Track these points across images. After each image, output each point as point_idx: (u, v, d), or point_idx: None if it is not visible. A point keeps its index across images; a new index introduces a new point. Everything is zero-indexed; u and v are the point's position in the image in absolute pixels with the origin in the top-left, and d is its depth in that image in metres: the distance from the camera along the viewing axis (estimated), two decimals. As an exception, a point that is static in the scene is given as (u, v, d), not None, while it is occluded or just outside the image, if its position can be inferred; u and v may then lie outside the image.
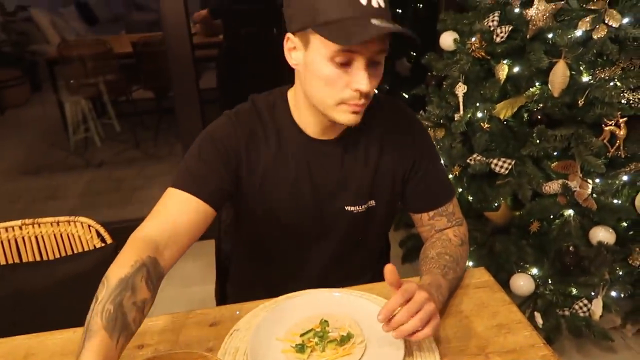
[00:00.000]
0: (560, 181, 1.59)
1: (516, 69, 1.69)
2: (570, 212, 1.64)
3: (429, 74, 2.04)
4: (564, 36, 1.56)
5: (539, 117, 1.62)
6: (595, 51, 1.54)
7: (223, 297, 1.26)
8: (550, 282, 1.68)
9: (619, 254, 1.62)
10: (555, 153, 1.65)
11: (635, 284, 1.65)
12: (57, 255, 1.13)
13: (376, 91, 0.89)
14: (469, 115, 1.77)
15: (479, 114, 1.75)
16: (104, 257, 1.08)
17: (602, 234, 1.58)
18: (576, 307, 1.66)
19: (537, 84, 1.65)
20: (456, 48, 1.86)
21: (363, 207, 0.99)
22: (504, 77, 1.69)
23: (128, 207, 2.99)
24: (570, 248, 1.60)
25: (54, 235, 1.12)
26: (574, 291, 1.67)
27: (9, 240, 1.13)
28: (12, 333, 0.87)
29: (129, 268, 0.74)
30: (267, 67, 3.07)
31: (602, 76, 1.55)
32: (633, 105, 1.53)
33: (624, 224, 1.66)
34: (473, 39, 1.77)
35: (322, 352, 0.78)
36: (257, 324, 0.82)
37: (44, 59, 4.39)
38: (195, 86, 2.34)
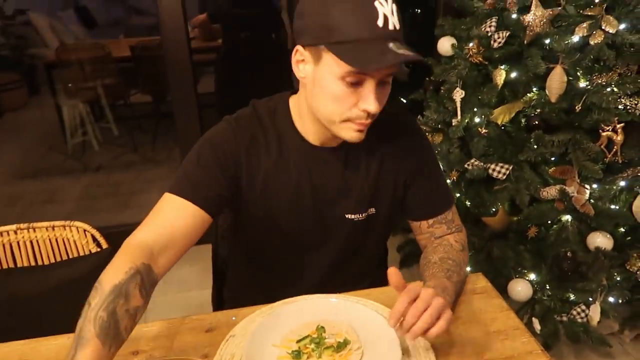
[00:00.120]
0: (557, 186, 1.59)
1: (514, 75, 1.69)
2: (567, 217, 1.64)
3: (427, 78, 2.04)
4: (561, 42, 1.57)
5: (537, 122, 1.62)
6: (592, 57, 1.54)
7: (220, 302, 1.25)
8: (548, 287, 1.67)
9: (616, 259, 1.61)
10: (552, 158, 1.65)
11: (633, 290, 1.65)
12: (53, 260, 1.12)
13: None
14: (466, 121, 1.77)
15: (477, 119, 1.76)
16: (100, 262, 1.07)
17: (600, 240, 1.58)
18: (574, 312, 1.66)
19: (534, 89, 1.65)
20: (454, 53, 1.86)
21: (363, 215, 0.98)
22: (502, 82, 1.69)
23: (125, 212, 2.98)
24: (568, 253, 1.59)
25: (49, 239, 1.11)
26: (572, 297, 1.66)
27: (3, 245, 1.12)
28: (6, 339, 0.86)
29: (123, 274, 0.73)
30: (266, 71, 3.08)
31: (599, 82, 1.55)
32: (630, 110, 1.54)
33: (622, 229, 1.66)
34: (471, 44, 1.77)
35: (318, 358, 0.77)
36: (253, 330, 0.81)
37: (42, 63, 4.39)
38: (193, 90, 2.33)
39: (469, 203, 1.83)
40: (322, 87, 0.81)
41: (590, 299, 1.65)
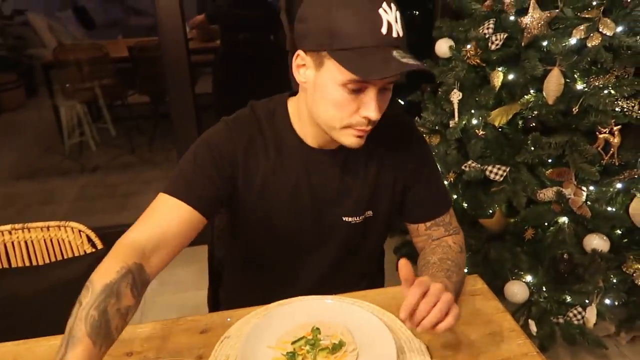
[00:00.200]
0: (554, 188, 1.60)
1: (511, 77, 1.69)
2: (564, 219, 1.64)
3: (424, 84, 2.05)
4: (558, 44, 1.57)
5: (534, 124, 1.62)
6: (589, 59, 1.55)
7: (216, 303, 1.25)
8: (544, 289, 1.67)
9: (613, 261, 1.61)
10: (549, 160, 1.66)
11: (629, 292, 1.65)
12: (47, 261, 1.11)
13: None
14: (464, 122, 1.77)
15: (474, 121, 1.76)
16: (95, 262, 1.04)
17: (597, 242, 1.58)
18: (570, 314, 1.66)
19: (531, 91, 1.66)
20: (451, 55, 1.86)
21: (361, 217, 0.98)
22: (499, 84, 1.69)
23: (122, 213, 2.97)
24: (565, 255, 1.59)
25: (44, 240, 1.10)
26: (568, 299, 1.66)
27: (-3, 245, 1.12)
28: (0, 339, 0.85)
29: (114, 274, 0.73)
30: (264, 73, 3.08)
31: (597, 84, 1.56)
32: (627, 113, 1.54)
33: (618, 231, 1.66)
34: (468, 46, 1.77)
35: (313, 360, 0.77)
36: (248, 332, 0.81)
37: (39, 63, 4.38)
38: (190, 91, 2.33)
39: (466, 205, 1.83)
40: (323, 93, 0.81)
41: (587, 301, 1.65)
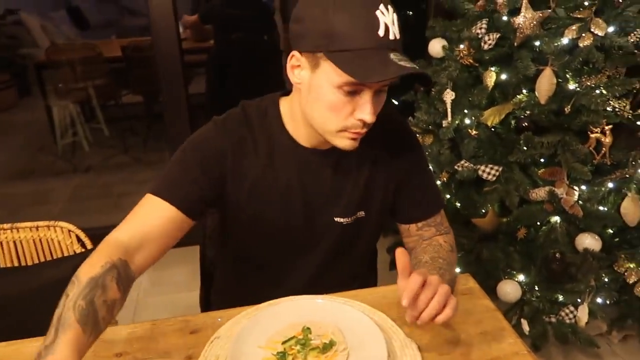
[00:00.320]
0: (547, 188, 1.60)
1: (504, 76, 1.70)
2: (556, 218, 1.64)
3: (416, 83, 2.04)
4: (550, 44, 1.58)
5: (526, 124, 1.63)
6: (581, 59, 1.55)
7: (207, 303, 1.24)
8: (537, 288, 1.68)
9: (604, 260, 1.62)
10: (542, 160, 1.66)
11: (620, 291, 1.66)
12: (37, 261, 1.11)
13: None
14: (457, 122, 1.78)
15: (467, 121, 1.76)
16: (85, 262, 1.06)
17: (588, 241, 1.58)
18: (562, 313, 1.67)
19: (524, 91, 1.66)
20: (445, 55, 1.87)
21: (353, 218, 0.98)
22: (492, 84, 1.69)
23: (116, 213, 2.95)
24: (557, 255, 1.60)
25: (33, 240, 1.09)
26: (561, 298, 1.67)
27: (-14, 245, 1.11)
28: (-12, 340, 0.84)
29: (99, 268, 0.73)
30: (257, 72, 3.07)
31: (588, 84, 1.56)
32: (619, 113, 1.55)
33: (610, 230, 1.67)
34: (461, 46, 1.78)
35: (303, 359, 0.76)
36: (238, 332, 0.80)
37: (32, 63, 4.36)
38: (184, 91, 2.32)
39: (459, 204, 1.83)
40: (318, 95, 0.80)
41: (579, 300, 1.66)
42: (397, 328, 0.84)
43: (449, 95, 1.80)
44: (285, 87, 0.94)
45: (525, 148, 1.63)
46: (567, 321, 1.67)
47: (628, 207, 1.56)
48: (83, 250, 1.11)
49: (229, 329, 0.84)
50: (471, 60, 1.75)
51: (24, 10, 5.22)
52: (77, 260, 1.07)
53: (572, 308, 1.66)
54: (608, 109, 1.54)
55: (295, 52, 0.82)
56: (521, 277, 1.70)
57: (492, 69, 1.71)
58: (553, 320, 1.69)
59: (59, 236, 1.10)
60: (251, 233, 0.98)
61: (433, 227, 1.02)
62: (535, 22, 1.59)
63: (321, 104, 0.81)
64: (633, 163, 1.58)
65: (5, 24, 5.24)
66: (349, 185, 0.96)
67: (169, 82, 2.29)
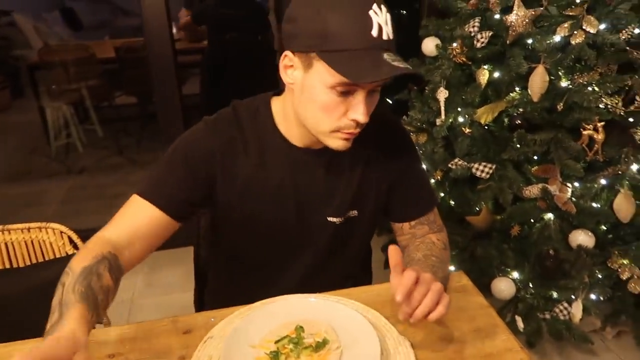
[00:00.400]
0: (540, 185, 1.61)
1: (496, 74, 1.70)
2: (550, 215, 1.65)
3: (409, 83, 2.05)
4: (543, 42, 1.58)
5: (519, 121, 1.63)
6: (573, 56, 1.56)
7: (201, 304, 1.24)
8: (531, 285, 1.68)
9: (598, 257, 1.63)
10: (535, 157, 1.67)
11: (614, 287, 1.66)
12: (28, 263, 1.10)
13: None
14: (450, 120, 1.78)
15: (461, 119, 1.76)
16: (77, 264, 1.05)
17: (582, 238, 1.59)
18: (557, 310, 1.67)
19: (517, 89, 1.67)
20: (438, 54, 1.87)
21: (345, 217, 0.98)
22: (485, 82, 1.70)
23: (110, 215, 2.92)
24: (551, 252, 1.61)
25: (25, 242, 1.09)
26: (555, 294, 1.67)
27: (-23, 248, 1.10)
28: (-21, 343, 0.84)
29: (91, 259, 0.75)
30: (251, 72, 3.07)
31: (581, 81, 1.57)
32: (611, 109, 1.56)
33: (603, 227, 1.68)
34: (454, 44, 1.78)
35: (296, 358, 0.76)
36: (231, 331, 0.80)
37: (25, 64, 4.33)
38: (177, 92, 2.31)
39: (453, 202, 1.84)
40: (311, 95, 0.80)
41: (573, 297, 1.66)
42: (390, 326, 0.84)
43: (442, 94, 1.80)
44: (279, 87, 0.94)
45: (518, 146, 1.64)
46: (562, 318, 1.68)
47: (621, 203, 1.57)
48: (75, 251, 1.10)
49: (222, 328, 0.84)
50: (464, 59, 1.75)
51: (17, 12, 5.19)
52: (68, 261, 1.07)
53: (566, 305, 1.67)
54: (600, 106, 1.55)
55: (288, 52, 0.81)
56: (515, 275, 1.70)
57: (485, 67, 1.71)
58: (547, 317, 1.69)
59: (50, 238, 1.09)
60: (243, 233, 0.98)
61: (426, 225, 1.02)
62: (527, 20, 1.59)
63: (314, 105, 0.80)
64: (625, 159, 1.59)
65: (-2, 25, 5.21)
66: (341, 184, 0.96)
67: (162, 83, 2.28)
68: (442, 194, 1.86)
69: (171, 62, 2.24)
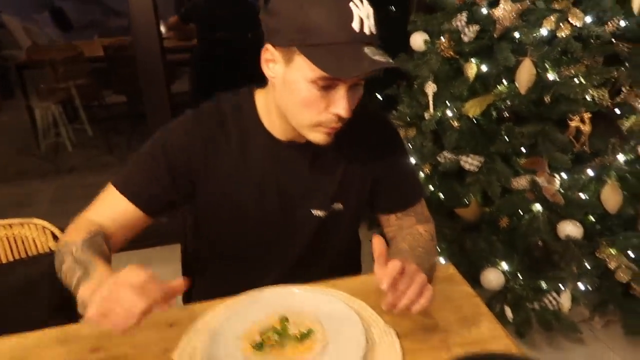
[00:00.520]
0: (528, 177, 1.61)
1: (484, 68, 1.71)
2: (538, 207, 1.66)
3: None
4: (529, 35, 1.59)
5: (507, 114, 1.64)
6: (560, 49, 1.57)
7: (189, 299, 1.23)
8: (520, 276, 1.69)
9: (586, 247, 1.64)
10: (523, 150, 1.68)
11: (602, 277, 1.68)
12: (11, 259, 1.08)
13: None
14: (439, 114, 1.78)
15: (449, 113, 1.77)
16: (61, 259, 1.04)
17: (570, 229, 1.60)
18: (546, 300, 1.68)
19: (504, 82, 1.67)
20: (426, 48, 1.87)
21: (330, 210, 0.97)
22: (473, 75, 1.70)
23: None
24: (539, 243, 1.61)
25: (7, 238, 1.07)
26: (543, 285, 1.68)
27: (-42, 245, 1.08)
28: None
29: (87, 233, 0.79)
30: (241, 70, 3.06)
31: (567, 73, 1.58)
32: (597, 101, 1.57)
33: (591, 218, 1.69)
34: (442, 39, 1.78)
35: (281, 349, 0.76)
36: (215, 324, 0.80)
37: (13, 64, 4.29)
38: (166, 90, 2.30)
39: (442, 195, 1.84)
40: (292, 90, 0.79)
41: (561, 287, 1.67)
42: (376, 316, 0.84)
43: (430, 88, 1.80)
44: (265, 81, 0.93)
45: (506, 138, 1.65)
46: (550, 308, 1.69)
47: (608, 194, 1.58)
48: (59, 247, 1.09)
49: (207, 321, 0.83)
50: (452, 53, 1.76)
51: (5, 12, 5.13)
52: (52, 257, 1.05)
53: (555, 295, 1.68)
54: (587, 97, 1.56)
55: (269, 46, 0.80)
56: (504, 266, 1.71)
57: (473, 60, 1.72)
58: (536, 307, 1.70)
59: (33, 233, 1.07)
60: (228, 227, 0.98)
61: (413, 216, 1.02)
62: (514, 14, 1.60)
63: (295, 99, 0.80)
64: (612, 151, 1.60)
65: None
66: (325, 178, 0.95)
67: (150, 81, 2.26)
68: (431, 187, 1.87)
69: (159, 62, 2.22)
